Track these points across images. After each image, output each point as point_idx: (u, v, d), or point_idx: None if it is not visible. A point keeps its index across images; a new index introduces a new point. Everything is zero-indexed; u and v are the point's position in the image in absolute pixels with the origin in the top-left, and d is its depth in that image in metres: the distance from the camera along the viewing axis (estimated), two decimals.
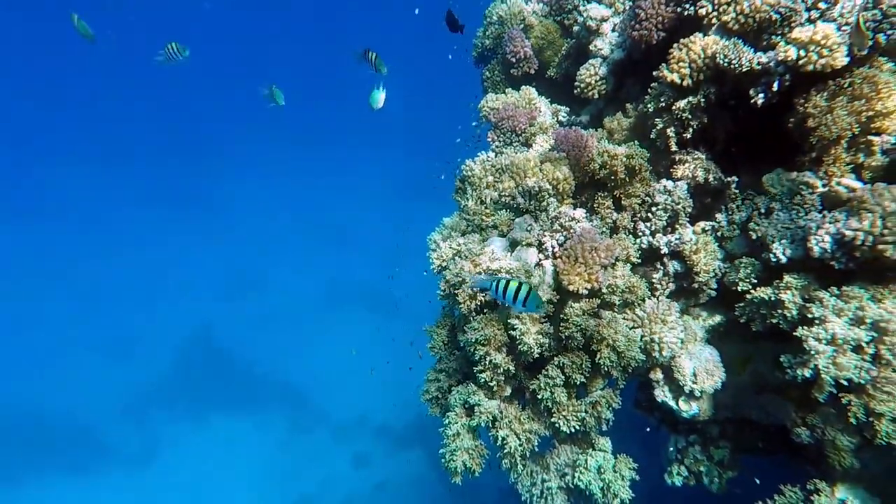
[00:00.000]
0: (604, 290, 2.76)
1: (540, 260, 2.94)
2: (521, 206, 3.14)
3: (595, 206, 3.15)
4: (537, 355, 2.80)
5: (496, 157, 3.91)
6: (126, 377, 13.87)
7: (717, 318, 3.02)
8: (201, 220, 20.73)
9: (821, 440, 2.55)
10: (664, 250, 2.94)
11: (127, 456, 12.18)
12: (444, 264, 3.36)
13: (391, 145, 24.09)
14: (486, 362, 2.86)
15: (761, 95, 2.52)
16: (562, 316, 2.76)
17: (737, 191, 2.85)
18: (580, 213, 2.90)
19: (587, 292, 2.71)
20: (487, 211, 3.34)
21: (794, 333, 2.26)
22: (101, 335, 15.57)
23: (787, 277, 2.45)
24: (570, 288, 2.71)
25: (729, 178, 2.86)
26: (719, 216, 2.92)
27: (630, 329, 2.82)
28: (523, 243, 2.97)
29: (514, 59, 4.49)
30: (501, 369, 2.85)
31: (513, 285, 2.17)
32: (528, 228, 2.97)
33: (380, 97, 3.06)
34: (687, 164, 3.00)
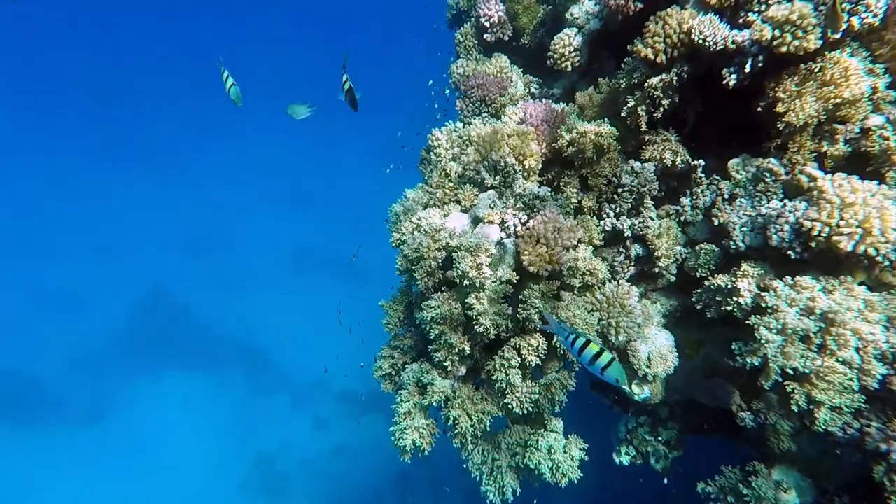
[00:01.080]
0: (564, 273, 2.69)
1: (501, 238, 2.82)
2: (486, 182, 3.00)
3: (561, 184, 3.04)
4: (494, 336, 2.73)
5: (464, 127, 3.73)
6: (77, 331, 13.34)
7: (674, 303, 3.02)
8: (162, 174, 19.58)
9: (763, 424, 2.62)
10: (627, 233, 2.88)
11: (77, 411, 11.82)
12: (403, 238, 3.21)
13: (369, 108, 23.17)
14: (442, 341, 2.77)
15: (733, 76, 2.43)
16: (520, 297, 2.68)
17: (702, 175, 2.79)
18: (545, 191, 2.79)
19: (547, 274, 2.63)
20: (451, 185, 3.18)
21: (747, 322, 2.26)
22: (49, 288, 14.78)
23: (744, 265, 2.43)
24: (531, 269, 2.62)
25: (695, 162, 2.80)
26: (684, 200, 2.88)
27: (588, 312, 2.77)
28: (485, 220, 2.84)
29: (487, 24, 4.25)
30: (457, 349, 2.77)
31: (592, 349, 1.88)
32: (492, 205, 2.85)
33: (300, 110, 2.77)
34: (656, 146, 2.92)
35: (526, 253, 2.63)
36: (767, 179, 2.50)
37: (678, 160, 2.88)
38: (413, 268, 2.88)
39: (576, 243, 2.71)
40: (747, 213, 2.53)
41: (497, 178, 2.98)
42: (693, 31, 2.47)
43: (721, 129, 2.94)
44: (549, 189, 2.86)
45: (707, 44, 2.44)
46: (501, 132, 3.00)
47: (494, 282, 2.69)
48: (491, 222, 2.84)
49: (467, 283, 2.65)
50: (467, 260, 2.63)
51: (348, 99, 2.83)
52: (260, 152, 21.16)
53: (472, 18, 4.53)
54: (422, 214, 3.06)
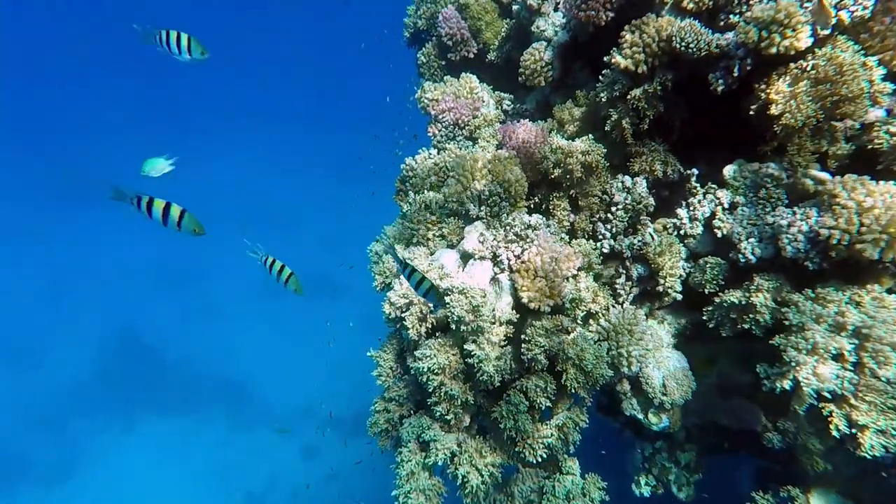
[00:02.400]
0: (567, 305, 2.48)
1: (496, 274, 2.60)
2: (471, 213, 2.77)
3: (550, 206, 2.85)
4: (499, 383, 2.48)
5: (438, 153, 3.52)
6: (37, 385, 12.42)
7: (682, 321, 2.84)
8: (120, 208, 18.63)
9: (793, 445, 2.45)
10: (627, 253, 2.70)
11: (42, 472, 10.95)
12: (387, 281, 2.95)
13: (329, 125, 22.93)
14: (442, 393, 2.51)
15: (720, 81, 2.30)
16: (523, 336, 2.45)
17: (697, 184, 2.65)
18: (536, 218, 2.58)
19: (549, 309, 2.41)
20: (433, 219, 2.94)
21: (771, 342, 2.09)
22: (3, 341, 13.75)
23: (757, 279, 2.27)
24: (532, 306, 2.40)
25: (688, 171, 2.65)
26: (680, 212, 2.72)
27: (595, 342, 2.56)
28: (476, 256, 2.61)
29: (450, 43, 4.08)
30: (459, 400, 2.51)
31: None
32: (481, 239, 2.62)
33: (158, 166, 2.36)
34: (644, 157, 2.76)
35: (524, 289, 2.41)
36: (769, 185, 2.36)
37: (669, 170, 2.73)
38: (402, 315, 2.61)
39: (575, 272, 2.51)
40: (752, 223, 2.38)
41: (483, 208, 2.76)
42: (673, 38, 2.33)
43: (709, 133, 2.82)
44: (541, 216, 2.66)
45: (690, 50, 2.30)
46: (482, 159, 2.79)
47: (493, 323, 2.45)
48: (482, 258, 2.61)
49: (465, 329, 2.40)
50: (462, 303, 2.39)
51: None
52: (221, 177, 20.55)
53: (434, 38, 4.36)
54: (405, 254, 2.81)
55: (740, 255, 2.35)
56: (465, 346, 2.43)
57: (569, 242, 2.72)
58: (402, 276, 2.67)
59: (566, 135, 3.09)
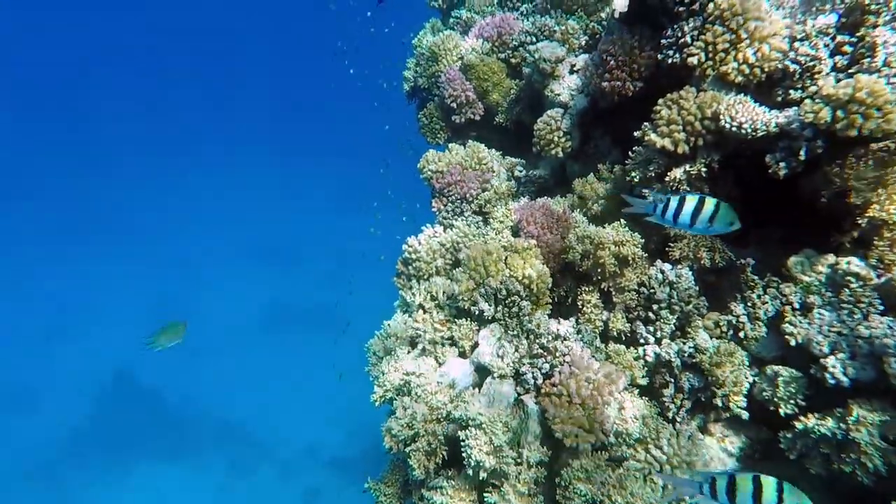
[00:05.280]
0: (611, 440, 2.01)
1: (518, 395, 2.15)
2: (486, 314, 2.35)
3: (578, 302, 2.42)
4: None
5: (445, 231, 3.14)
6: (31, 433, 11.87)
7: (748, 438, 2.34)
8: (112, 245, 18.47)
9: None
10: (676, 362, 2.24)
11: None
12: (387, 395, 2.50)
13: (333, 153, 22.90)
14: None
15: (783, 165, 1.90)
16: (558, 480, 1.97)
17: (755, 276, 2.21)
18: (567, 327, 2.16)
19: (590, 447, 1.94)
20: (441, 318, 2.52)
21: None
22: None
23: (856, 409, 1.80)
24: (567, 442, 1.93)
25: (743, 261, 2.23)
26: (737, 308, 2.27)
27: (646, 476, 2.07)
28: (495, 374, 2.17)
29: (454, 105, 3.78)
30: None
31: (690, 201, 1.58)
32: (500, 352, 2.18)
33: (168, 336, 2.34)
34: (686, 241, 2.35)
35: (558, 422, 1.94)
36: (853, 285, 1.92)
37: (717, 257, 2.31)
38: (407, 450, 2.15)
39: (619, 395, 2.05)
40: (836, 331, 1.93)
41: (500, 308, 2.34)
42: (722, 116, 1.96)
43: (761, 212, 2.40)
44: (572, 324, 2.22)
45: (743, 131, 1.92)
46: (496, 251, 2.39)
47: (519, 465, 1.98)
48: (502, 376, 2.16)
49: (484, 475, 1.93)
50: (480, 442, 1.93)
51: None
52: (219, 211, 20.42)
53: (436, 98, 4.07)
54: (409, 366, 2.37)
55: (828, 375, 1.88)
56: (485, 496, 1.96)
57: (605, 349, 2.28)
58: (404, 400, 2.22)
59: (590, 214, 2.69)
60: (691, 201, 1.58)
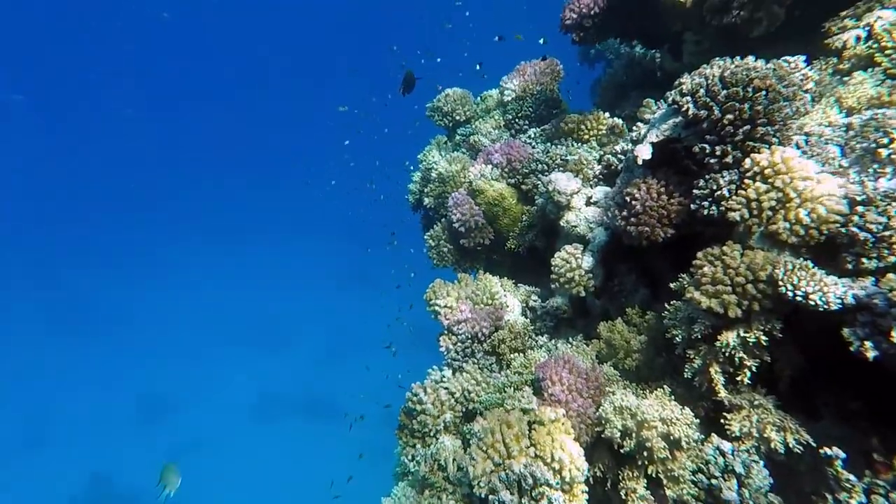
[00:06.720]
0: None
1: None
2: None
3: (620, 491, 1.98)
4: None
5: (454, 375, 2.78)
6: None
7: None
8: (97, 337, 17.66)
9: None
10: None
11: None
12: None
13: (320, 232, 22.88)
14: None
15: (870, 345, 1.59)
16: None
17: (848, 474, 1.80)
18: None
19: None
20: (453, 500, 2.06)
21: None
22: None
23: None
24: None
25: (830, 452, 1.82)
26: None
27: None
28: None
29: (463, 229, 3.61)
30: None
31: None
32: None
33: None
34: (746, 416, 1.97)
35: None
36: None
37: (790, 440, 1.91)
38: None
39: None
40: None
41: (524, 500, 1.90)
42: (781, 283, 1.70)
43: (831, 381, 2.05)
44: None
45: (811, 303, 1.64)
46: (518, 423, 2.01)
47: None
48: None
49: None
50: None
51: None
52: (208, 300, 19.97)
53: (443, 220, 3.93)
54: None
55: None
56: None
57: None
58: None
59: (621, 366, 2.35)
60: None
